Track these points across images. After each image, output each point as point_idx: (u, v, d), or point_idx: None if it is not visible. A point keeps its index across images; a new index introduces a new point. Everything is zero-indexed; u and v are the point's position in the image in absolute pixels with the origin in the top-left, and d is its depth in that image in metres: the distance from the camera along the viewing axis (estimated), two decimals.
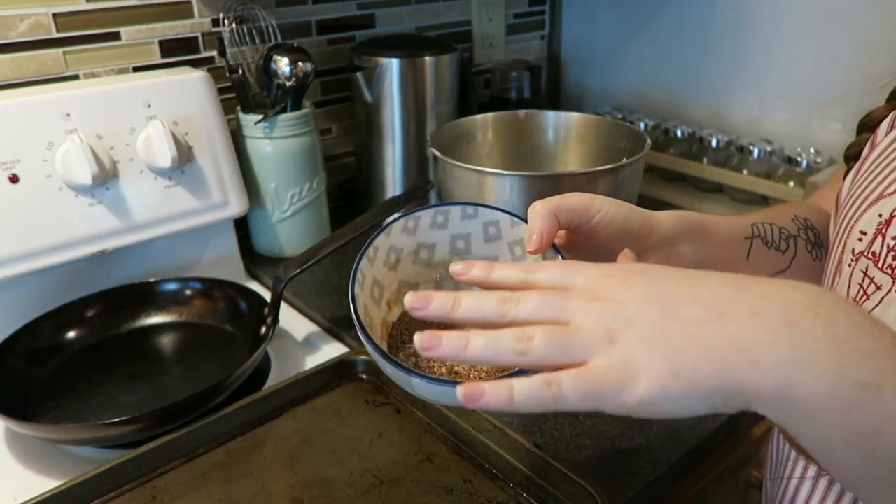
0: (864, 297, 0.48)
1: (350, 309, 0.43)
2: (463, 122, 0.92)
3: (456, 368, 0.47)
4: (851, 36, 0.99)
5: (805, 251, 0.58)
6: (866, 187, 0.51)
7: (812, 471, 0.51)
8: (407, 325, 0.50)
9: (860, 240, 0.49)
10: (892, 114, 0.55)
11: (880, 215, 0.48)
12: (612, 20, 1.30)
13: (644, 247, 0.48)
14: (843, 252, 0.51)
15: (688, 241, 0.50)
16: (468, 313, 0.36)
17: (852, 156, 0.58)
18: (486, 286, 0.39)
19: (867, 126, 0.58)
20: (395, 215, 0.50)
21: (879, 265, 0.47)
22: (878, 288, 0.47)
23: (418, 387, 0.41)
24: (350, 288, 0.44)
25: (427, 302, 0.37)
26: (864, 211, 0.50)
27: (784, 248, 0.57)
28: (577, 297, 0.35)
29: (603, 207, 0.46)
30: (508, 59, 1.29)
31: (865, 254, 0.49)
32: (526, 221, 0.45)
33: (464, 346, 0.35)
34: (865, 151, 0.56)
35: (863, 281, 0.48)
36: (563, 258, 0.45)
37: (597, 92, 1.37)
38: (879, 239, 0.48)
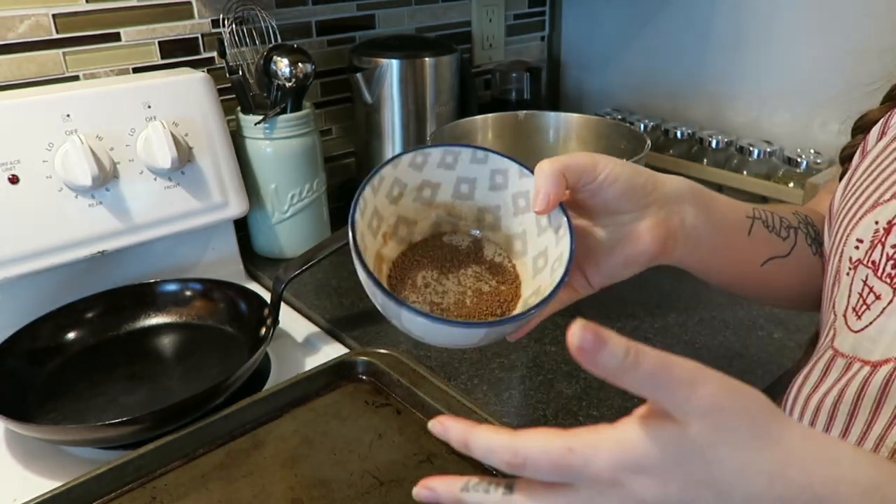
0: (865, 307, 0.48)
1: (349, 234, 0.43)
2: (463, 123, 0.92)
3: (443, 305, 0.48)
4: (851, 36, 0.99)
5: (805, 244, 0.57)
6: (860, 195, 0.51)
7: None
8: (404, 270, 0.50)
9: (857, 248, 0.49)
10: (881, 120, 0.55)
11: (877, 223, 0.48)
12: (612, 21, 1.30)
13: (647, 202, 0.48)
14: (840, 261, 0.51)
15: (690, 203, 0.50)
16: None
17: (848, 157, 0.58)
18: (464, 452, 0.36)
19: (862, 128, 0.58)
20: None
21: (879, 274, 0.47)
22: (878, 298, 0.47)
23: (407, 320, 0.42)
24: (350, 214, 0.44)
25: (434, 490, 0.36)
26: (860, 219, 0.50)
27: (785, 236, 0.56)
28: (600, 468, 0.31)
29: (608, 166, 0.46)
30: (508, 60, 1.29)
31: (864, 262, 0.48)
32: (533, 174, 0.46)
33: None
34: (857, 159, 0.55)
35: (862, 290, 0.48)
36: (569, 220, 0.45)
37: (596, 93, 1.37)
38: (879, 248, 0.47)
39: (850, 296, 0.49)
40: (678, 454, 0.31)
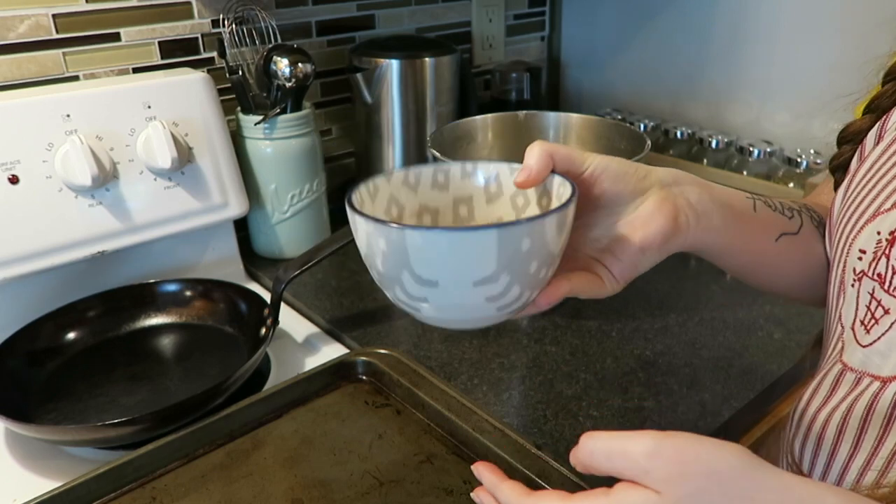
0: (873, 321, 0.47)
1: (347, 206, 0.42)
2: (463, 124, 0.92)
3: None
4: (852, 36, 0.99)
5: (812, 225, 0.57)
6: (860, 203, 0.50)
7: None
8: None
9: (860, 259, 0.49)
10: (877, 125, 0.55)
11: (879, 233, 0.48)
12: (612, 21, 1.30)
13: (644, 185, 0.47)
14: (843, 271, 0.50)
15: (689, 184, 0.49)
16: None
17: (838, 167, 0.57)
18: None
19: (846, 139, 0.58)
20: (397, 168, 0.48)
21: (886, 287, 0.47)
22: (887, 312, 0.46)
23: (412, 248, 0.39)
24: (348, 195, 0.43)
25: None
26: (862, 228, 0.49)
27: (790, 216, 0.56)
28: None
29: (595, 158, 0.46)
30: (508, 61, 1.29)
31: (868, 274, 0.48)
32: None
33: None
34: (854, 165, 0.55)
35: (870, 303, 0.48)
36: (574, 187, 0.43)
37: (596, 93, 1.37)
38: (884, 260, 0.47)
39: (857, 308, 0.49)
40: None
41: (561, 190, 0.45)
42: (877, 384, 0.46)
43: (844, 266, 0.50)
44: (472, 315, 0.43)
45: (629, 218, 0.47)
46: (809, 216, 0.57)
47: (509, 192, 0.48)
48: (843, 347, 0.50)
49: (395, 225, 0.39)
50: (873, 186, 0.50)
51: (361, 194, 0.44)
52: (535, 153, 0.45)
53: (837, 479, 0.49)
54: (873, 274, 0.47)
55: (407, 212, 0.48)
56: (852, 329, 0.49)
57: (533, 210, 0.48)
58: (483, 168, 0.49)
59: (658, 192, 0.47)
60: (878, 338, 0.46)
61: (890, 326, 0.46)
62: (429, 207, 0.49)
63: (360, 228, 0.41)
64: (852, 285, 0.49)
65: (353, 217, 0.41)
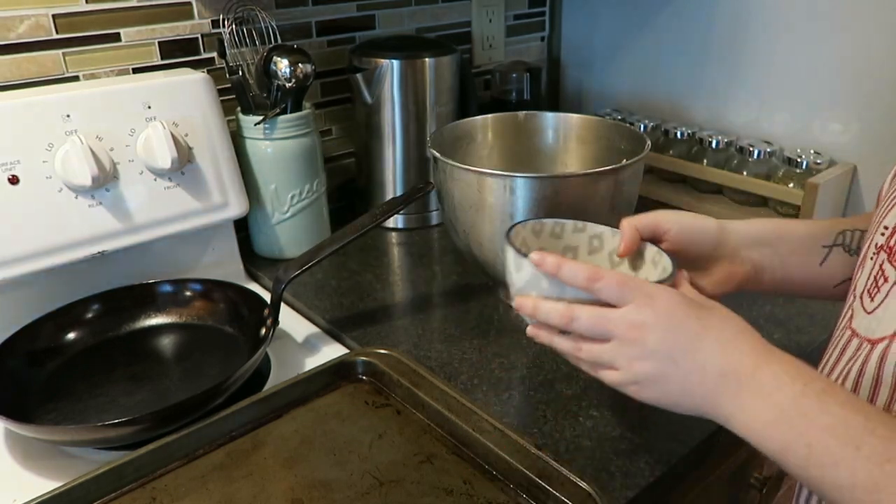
0: (876, 289, 0.49)
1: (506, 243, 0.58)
2: (463, 124, 0.92)
3: None
4: (852, 36, 0.99)
5: None
6: None
7: None
8: None
9: (882, 234, 0.51)
10: None
11: None
12: (612, 21, 1.30)
13: (717, 255, 0.61)
14: (869, 247, 0.53)
15: (759, 245, 0.61)
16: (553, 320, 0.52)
17: None
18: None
19: None
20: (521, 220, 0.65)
21: (891, 258, 0.48)
22: (886, 280, 0.48)
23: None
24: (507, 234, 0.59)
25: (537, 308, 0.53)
26: (892, 207, 0.51)
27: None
28: (618, 329, 0.49)
29: (673, 219, 0.59)
30: (508, 61, 1.29)
31: (884, 247, 0.50)
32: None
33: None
34: None
35: (877, 273, 0.50)
36: (673, 261, 0.56)
37: (596, 93, 1.37)
38: None
39: (868, 279, 0.51)
40: (660, 316, 0.48)
41: (657, 258, 0.59)
42: (867, 347, 0.48)
43: (871, 241, 0.53)
44: None
45: (703, 276, 0.61)
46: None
47: (608, 249, 0.64)
48: (852, 315, 0.52)
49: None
50: None
51: (513, 237, 0.60)
52: (624, 229, 0.59)
53: None
54: (888, 247, 0.49)
55: (529, 251, 0.62)
56: (860, 297, 0.51)
57: (625, 268, 0.62)
58: (591, 227, 0.64)
59: (728, 265, 0.61)
60: (879, 304, 0.49)
61: (887, 293, 0.48)
62: (543, 250, 0.62)
63: (525, 269, 0.55)
64: (871, 258, 0.51)
65: (517, 260, 0.55)
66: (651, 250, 0.59)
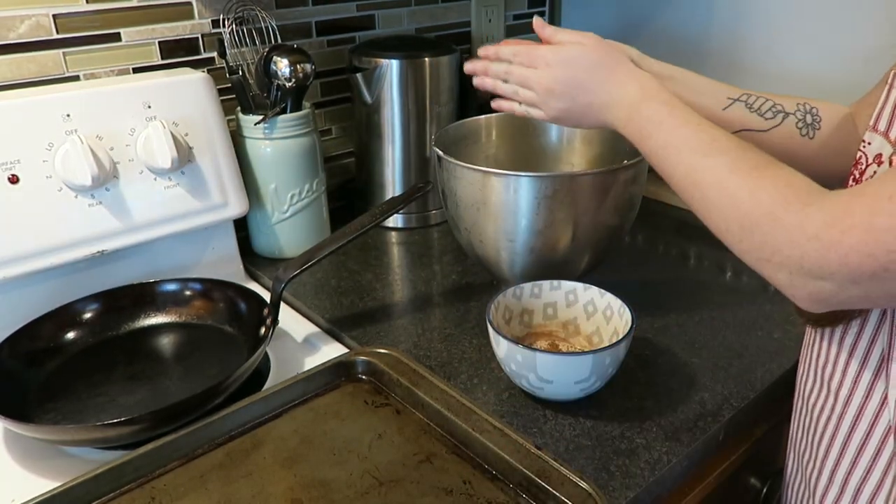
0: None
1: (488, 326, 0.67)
2: (467, 123, 0.92)
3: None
4: (852, 35, 0.99)
5: (794, 127, 0.67)
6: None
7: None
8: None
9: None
10: None
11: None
12: (612, 21, 1.30)
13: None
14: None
15: (666, 80, 0.69)
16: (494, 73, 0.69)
17: None
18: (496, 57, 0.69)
19: None
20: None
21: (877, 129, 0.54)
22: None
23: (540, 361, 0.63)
24: (487, 312, 0.68)
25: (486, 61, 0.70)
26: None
27: (769, 117, 0.67)
28: (534, 79, 0.65)
29: (598, 37, 0.67)
30: None
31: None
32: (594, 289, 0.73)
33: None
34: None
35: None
36: (634, 319, 0.67)
37: None
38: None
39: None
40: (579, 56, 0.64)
41: (622, 311, 0.69)
42: None
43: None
44: (567, 394, 0.66)
45: None
46: (800, 118, 0.67)
47: (582, 301, 0.74)
48: None
49: (528, 348, 0.64)
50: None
51: (493, 312, 0.69)
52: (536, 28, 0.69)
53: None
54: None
55: (514, 314, 0.73)
56: None
57: (599, 318, 0.72)
58: (565, 284, 0.74)
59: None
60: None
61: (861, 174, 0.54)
62: (527, 310, 0.74)
63: (502, 344, 0.65)
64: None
65: (496, 336, 0.65)
66: (617, 303, 0.70)
